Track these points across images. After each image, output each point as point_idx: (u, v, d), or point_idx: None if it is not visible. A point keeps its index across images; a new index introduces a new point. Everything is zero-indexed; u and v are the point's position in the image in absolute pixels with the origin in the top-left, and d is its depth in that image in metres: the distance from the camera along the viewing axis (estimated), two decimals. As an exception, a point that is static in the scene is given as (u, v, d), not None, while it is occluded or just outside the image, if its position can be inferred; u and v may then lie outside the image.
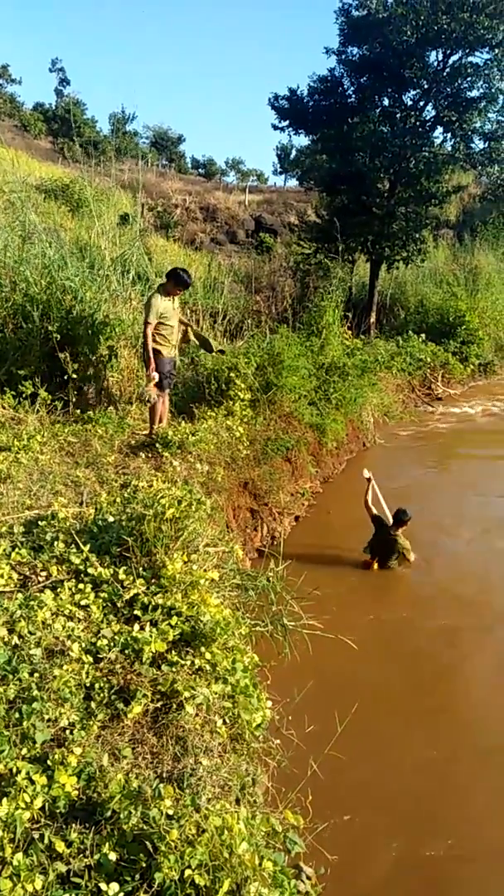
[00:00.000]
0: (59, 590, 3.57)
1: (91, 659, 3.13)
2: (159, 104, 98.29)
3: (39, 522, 4.23)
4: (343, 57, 15.31)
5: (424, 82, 14.61)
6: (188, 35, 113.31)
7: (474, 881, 3.38)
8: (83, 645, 3.21)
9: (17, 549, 3.91)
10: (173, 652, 3.26)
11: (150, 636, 3.25)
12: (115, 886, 2.13)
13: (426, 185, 15.16)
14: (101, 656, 3.18)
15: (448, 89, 14.54)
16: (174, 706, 3.01)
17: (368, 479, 6.82)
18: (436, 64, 14.48)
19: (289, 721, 3.52)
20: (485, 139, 14.92)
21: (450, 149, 15.42)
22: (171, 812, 2.33)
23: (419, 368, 14.17)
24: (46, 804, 2.39)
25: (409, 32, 13.43)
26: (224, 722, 3.07)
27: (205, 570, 3.88)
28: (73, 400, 6.77)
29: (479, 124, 14.61)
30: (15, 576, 3.69)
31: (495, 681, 4.91)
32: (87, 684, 3.00)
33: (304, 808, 2.94)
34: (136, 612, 3.47)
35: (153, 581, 3.66)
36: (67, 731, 2.73)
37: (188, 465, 5.97)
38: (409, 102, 15.33)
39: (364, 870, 3.31)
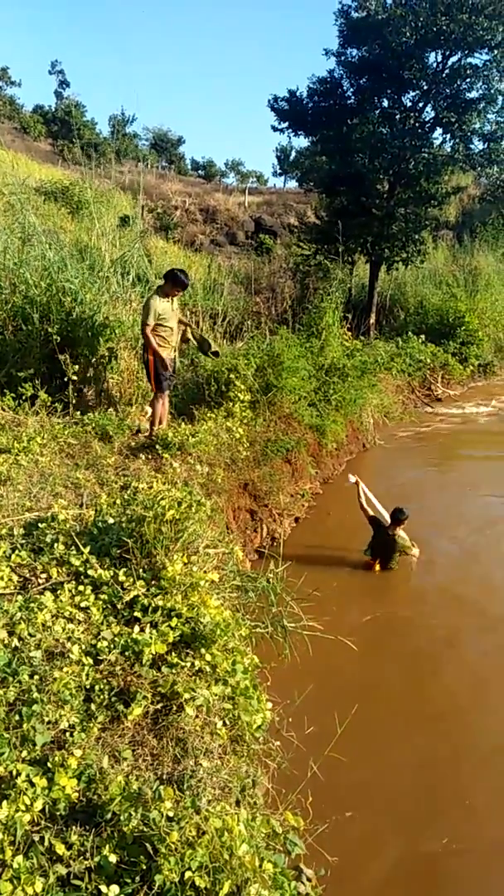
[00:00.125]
0: (59, 592, 3.57)
1: (91, 661, 3.13)
2: (159, 105, 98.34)
3: (39, 524, 4.23)
4: (342, 58, 15.35)
5: (424, 83, 14.63)
6: (188, 35, 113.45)
7: (475, 881, 3.38)
8: (83, 647, 3.21)
9: (17, 552, 3.91)
10: (173, 654, 3.26)
11: (151, 638, 3.25)
12: (115, 888, 2.13)
13: (425, 186, 15.18)
14: (101, 658, 3.18)
15: (447, 90, 14.56)
16: (174, 708, 3.01)
17: (356, 483, 6.83)
18: (435, 65, 14.52)
19: (289, 722, 3.53)
20: (484, 140, 14.94)
21: (449, 150, 15.42)
22: (171, 814, 2.33)
23: (419, 369, 14.17)
24: (47, 806, 2.39)
25: (408, 34, 13.45)
26: (224, 723, 3.07)
27: (205, 572, 3.89)
28: (74, 402, 6.78)
29: (478, 125, 14.62)
30: (15, 578, 3.69)
31: (495, 681, 4.90)
32: (88, 686, 3.01)
33: (304, 809, 2.94)
34: (136, 613, 3.47)
35: (153, 583, 3.66)
36: (67, 734, 2.74)
37: (188, 467, 5.97)
38: (409, 104, 15.36)
39: (365, 870, 3.31)
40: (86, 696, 2.97)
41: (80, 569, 3.76)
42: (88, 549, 3.86)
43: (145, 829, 2.27)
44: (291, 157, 40.15)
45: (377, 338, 15.12)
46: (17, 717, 2.70)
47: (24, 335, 7.28)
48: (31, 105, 39.27)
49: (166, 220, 25.99)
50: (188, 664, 3.24)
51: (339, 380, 9.56)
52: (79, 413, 6.76)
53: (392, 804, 3.75)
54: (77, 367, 6.85)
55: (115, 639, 3.29)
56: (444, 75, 14.35)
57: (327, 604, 4.90)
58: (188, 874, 2.15)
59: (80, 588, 3.61)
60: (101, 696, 2.97)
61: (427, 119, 15.22)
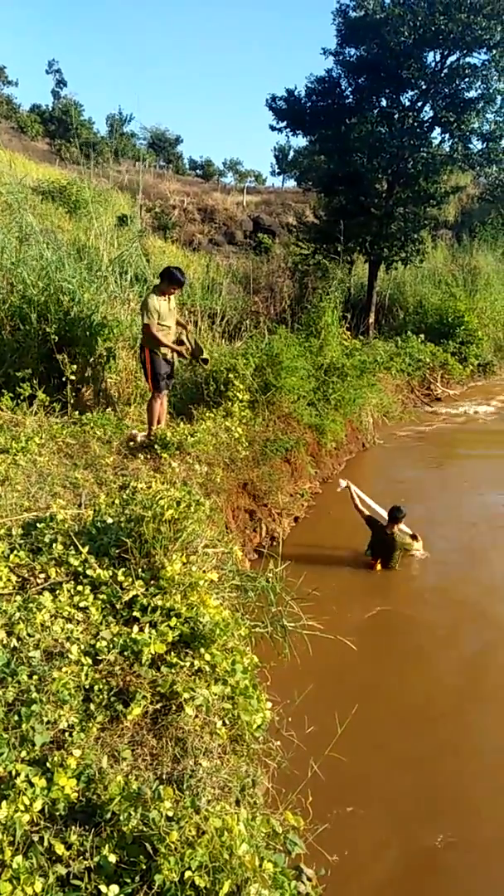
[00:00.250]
0: (57, 592, 3.57)
1: (90, 661, 3.13)
2: (157, 105, 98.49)
3: (38, 524, 4.22)
4: (340, 58, 15.32)
5: (422, 83, 14.63)
6: (187, 35, 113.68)
7: (475, 879, 3.38)
8: (82, 647, 3.20)
9: (15, 552, 3.90)
10: (172, 653, 3.26)
11: (150, 638, 3.24)
12: (114, 888, 2.13)
13: (424, 186, 15.17)
14: (100, 658, 3.17)
15: (446, 90, 14.56)
16: (174, 708, 3.00)
17: (347, 486, 6.81)
18: (433, 65, 14.52)
19: (289, 722, 3.52)
20: (483, 140, 14.94)
21: (448, 149, 15.43)
22: (170, 814, 2.33)
23: (418, 369, 14.17)
24: (46, 806, 2.39)
25: (406, 33, 13.44)
26: (224, 723, 3.06)
27: (204, 572, 3.88)
28: (72, 401, 6.77)
29: (477, 125, 14.63)
30: (14, 578, 3.68)
31: (495, 681, 4.90)
32: (87, 686, 3.00)
33: (304, 808, 2.93)
34: (135, 613, 3.46)
35: (152, 582, 3.65)
36: (67, 734, 2.73)
37: (187, 467, 5.97)
38: (407, 103, 15.35)
39: (365, 869, 3.30)
40: (85, 696, 2.96)
41: (79, 569, 3.76)
42: (87, 548, 3.85)
43: (145, 829, 2.26)
44: (290, 157, 40.15)
45: (376, 337, 15.13)
46: (16, 718, 2.70)
47: (22, 335, 7.27)
48: (29, 104, 39.43)
49: (164, 220, 26.00)
50: (187, 664, 3.23)
51: (339, 379, 9.55)
52: (77, 413, 6.75)
53: (392, 803, 3.74)
54: (75, 366, 6.84)
55: (114, 639, 3.28)
56: (442, 75, 14.34)
57: (327, 603, 4.90)
58: (188, 874, 2.15)
59: (79, 588, 3.61)
60: (101, 696, 2.96)
61: (426, 118, 15.22)
